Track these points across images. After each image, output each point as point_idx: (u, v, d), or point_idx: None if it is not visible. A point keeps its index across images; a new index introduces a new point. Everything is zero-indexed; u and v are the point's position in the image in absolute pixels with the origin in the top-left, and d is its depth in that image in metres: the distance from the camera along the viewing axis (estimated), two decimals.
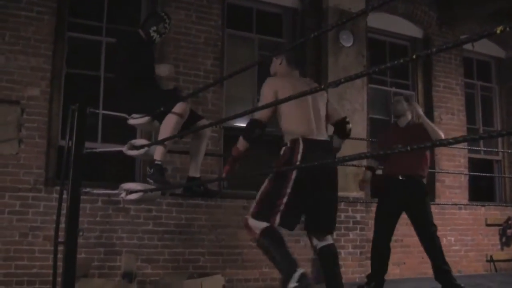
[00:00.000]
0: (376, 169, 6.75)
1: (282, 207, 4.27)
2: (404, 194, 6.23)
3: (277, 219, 4.26)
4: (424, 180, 6.51)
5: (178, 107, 4.76)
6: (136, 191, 4.64)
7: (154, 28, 5.21)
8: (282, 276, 4.12)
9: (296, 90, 3.84)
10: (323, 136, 4.60)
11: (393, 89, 9.61)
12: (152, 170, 4.76)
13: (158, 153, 4.81)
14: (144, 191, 4.65)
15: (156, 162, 4.77)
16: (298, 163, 4.33)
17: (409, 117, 6.54)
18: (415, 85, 9.82)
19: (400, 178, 6.28)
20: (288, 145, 4.47)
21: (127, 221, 6.99)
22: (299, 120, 4.52)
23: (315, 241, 4.57)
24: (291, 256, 4.20)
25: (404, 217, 6.40)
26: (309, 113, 4.57)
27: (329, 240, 4.56)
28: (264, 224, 4.28)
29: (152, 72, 5.16)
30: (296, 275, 4.00)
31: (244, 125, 7.95)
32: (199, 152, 5.20)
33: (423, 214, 6.23)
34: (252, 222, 4.36)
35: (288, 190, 4.29)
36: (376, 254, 6.40)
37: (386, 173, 6.52)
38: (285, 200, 4.27)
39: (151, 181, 4.74)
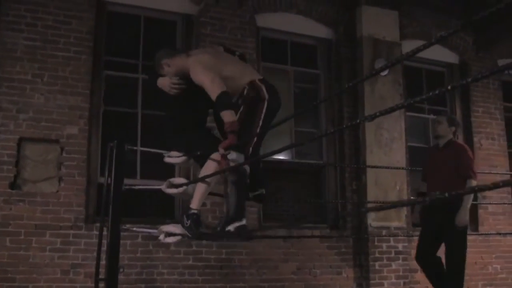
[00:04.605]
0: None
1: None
2: (437, 215, 6.07)
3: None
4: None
5: (216, 155, 4.62)
6: (174, 235, 4.64)
7: None
8: (230, 215, 4.53)
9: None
10: None
11: (431, 116, 9.51)
12: (188, 222, 4.57)
13: (195, 200, 4.64)
14: (182, 235, 4.63)
15: (192, 211, 4.60)
16: (266, 95, 4.62)
17: (450, 136, 6.29)
18: (453, 111, 9.68)
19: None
20: (247, 87, 4.66)
21: (168, 257, 6.98)
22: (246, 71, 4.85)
23: None
24: (245, 205, 4.63)
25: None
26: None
27: None
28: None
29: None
30: (239, 224, 4.48)
31: (282, 158, 8.00)
32: (228, 196, 4.89)
33: (451, 238, 6.01)
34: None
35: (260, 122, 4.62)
36: (425, 271, 6.27)
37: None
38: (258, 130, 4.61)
39: (187, 233, 4.63)
